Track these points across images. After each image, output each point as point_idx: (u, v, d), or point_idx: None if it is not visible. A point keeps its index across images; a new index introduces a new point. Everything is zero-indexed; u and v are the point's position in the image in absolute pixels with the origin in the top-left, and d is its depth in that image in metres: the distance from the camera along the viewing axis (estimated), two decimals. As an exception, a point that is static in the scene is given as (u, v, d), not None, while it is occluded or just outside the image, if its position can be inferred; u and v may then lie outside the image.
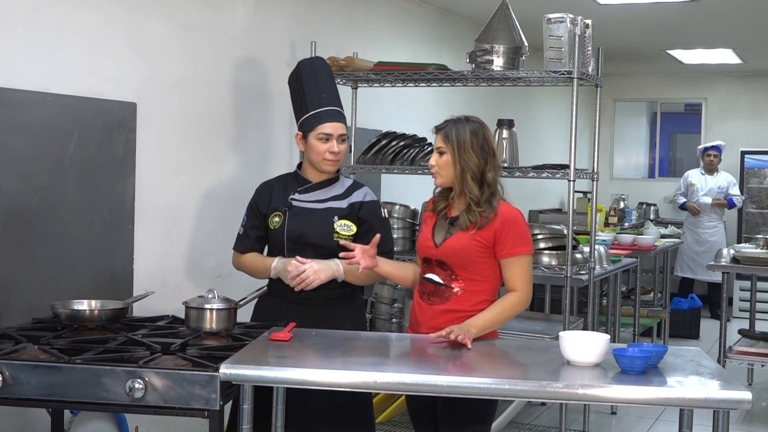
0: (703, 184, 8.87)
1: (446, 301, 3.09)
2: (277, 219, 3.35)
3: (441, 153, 3.10)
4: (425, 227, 3.21)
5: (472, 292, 3.07)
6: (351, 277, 3.29)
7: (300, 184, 3.39)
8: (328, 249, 3.28)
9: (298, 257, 3.21)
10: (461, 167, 3.05)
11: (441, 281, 3.11)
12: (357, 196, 3.37)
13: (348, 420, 3.26)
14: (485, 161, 3.06)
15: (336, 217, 3.31)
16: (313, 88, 3.41)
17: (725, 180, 8.90)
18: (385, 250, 3.32)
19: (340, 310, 3.33)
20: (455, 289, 3.08)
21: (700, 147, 9.18)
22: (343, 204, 3.34)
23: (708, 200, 8.77)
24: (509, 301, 3.04)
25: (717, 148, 8.93)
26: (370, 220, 3.34)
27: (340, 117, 3.37)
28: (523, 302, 3.07)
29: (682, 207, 9.06)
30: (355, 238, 3.31)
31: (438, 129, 3.14)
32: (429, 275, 3.14)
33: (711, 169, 8.88)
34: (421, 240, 3.20)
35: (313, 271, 3.19)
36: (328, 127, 3.32)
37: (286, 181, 3.46)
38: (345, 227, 3.31)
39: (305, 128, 3.37)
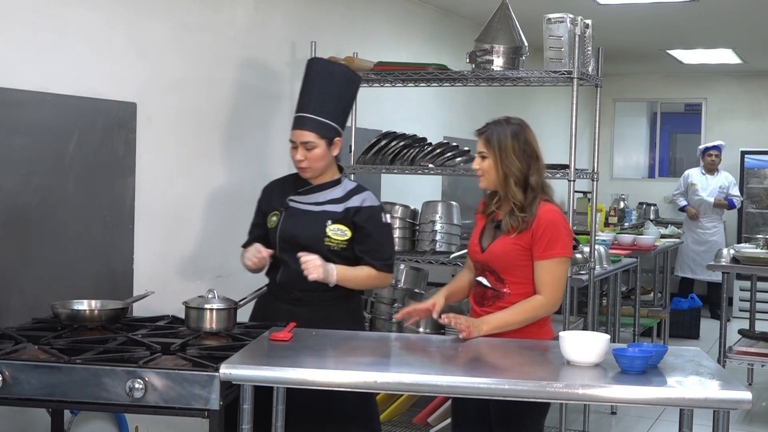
0: (704, 184, 8.87)
1: (495, 304, 3.10)
2: (274, 218, 3.37)
3: (483, 157, 3.09)
4: (475, 230, 3.22)
5: (519, 295, 3.07)
6: (344, 282, 3.28)
7: (301, 185, 3.39)
8: (319, 253, 3.26)
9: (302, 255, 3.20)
10: (504, 172, 3.05)
11: (489, 285, 3.12)
12: (354, 201, 3.33)
13: (351, 420, 3.25)
14: (528, 165, 3.06)
15: (329, 222, 3.29)
16: (303, 91, 3.41)
17: (726, 180, 8.90)
18: (376, 256, 3.31)
19: (336, 311, 3.32)
20: (504, 293, 3.09)
21: (700, 147, 9.17)
22: (338, 208, 3.32)
23: (711, 199, 8.77)
24: (530, 303, 3.04)
25: (717, 147, 8.92)
26: (367, 227, 3.30)
27: (305, 124, 3.31)
28: (545, 306, 3.04)
29: (682, 209, 9.05)
30: (351, 243, 3.29)
31: (479, 133, 3.12)
32: (479, 278, 3.16)
33: (712, 169, 8.87)
34: (470, 244, 3.22)
35: (314, 266, 3.17)
36: (293, 134, 3.33)
37: (289, 182, 3.47)
38: (338, 232, 3.28)
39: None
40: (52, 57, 3.58)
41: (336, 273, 3.22)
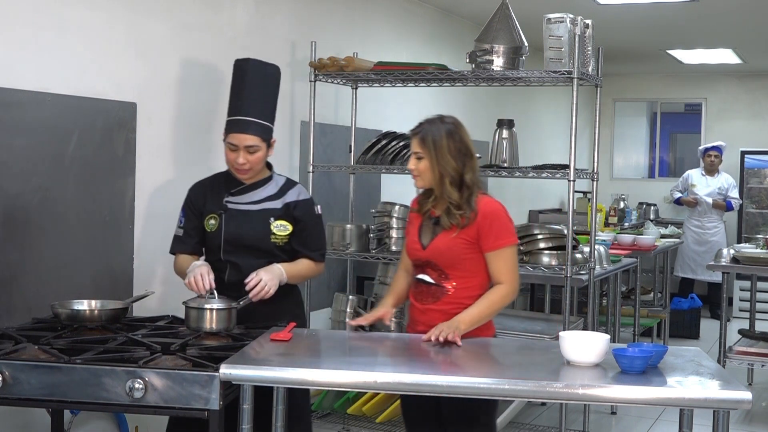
0: (704, 185, 8.86)
1: (439, 300, 3.11)
2: (213, 221, 3.35)
3: (419, 158, 3.09)
4: (412, 229, 3.22)
5: (464, 289, 3.09)
6: (292, 279, 3.32)
7: (233, 185, 3.37)
8: (265, 250, 3.29)
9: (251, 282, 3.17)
10: (440, 172, 3.06)
11: (432, 281, 3.12)
12: (291, 196, 3.36)
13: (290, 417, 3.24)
14: (463, 163, 3.07)
15: (272, 219, 3.31)
16: (236, 93, 3.38)
17: (726, 182, 8.87)
18: (313, 248, 3.36)
19: (283, 304, 3.32)
20: (447, 288, 3.10)
21: (700, 148, 9.16)
22: (277, 204, 3.34)
23: (709, 199, 8.75)
24: (496, 293, 3.07)
25: (717, 148, 8.89)
26: (304, 220, 3.36)
27: (248, 128, 3.28)
28: (510, 294, 3.09)
29: (678, 202, 9.02)
30: (290, 237, 3.33)
31: (414, 133, 3.12)
32: (420, 276, 3.16)
33: (712, 170, 8.84)
34: (409, 243, 3.21)
35: (269, 281, 3.18)
36: (234, 138, 3.29)
37: (219, 182, 3.43)
38: (281, 228, 3.32)
39: (224, 133, 3.35)
40: (52, 57, 3.58)
41: (285, 272, 3.26)
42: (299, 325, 3.25)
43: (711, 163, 8.82)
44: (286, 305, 3.35)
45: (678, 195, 8.95)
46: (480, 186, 3.14)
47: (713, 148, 8.89)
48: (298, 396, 3.26)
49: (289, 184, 3.42)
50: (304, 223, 3.35)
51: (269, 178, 3.40)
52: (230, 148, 3.30)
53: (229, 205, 3.34)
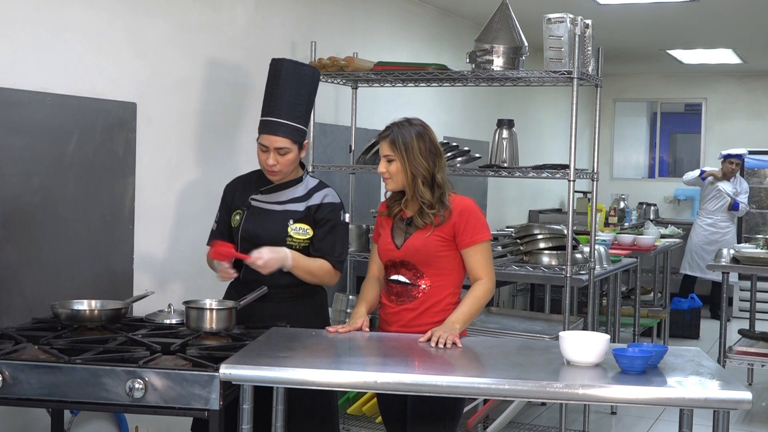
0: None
1: (414, 299, 3.14)
2: (237, 217, 3.38)
3: (390, 160, 3.11)
4: (383, 232, 3.23)
5: (438, 287, 3.13)
6: (298, 271, 3.27)
7: (263, 184, 3.39)
8: None
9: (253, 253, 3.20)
10: (412, 173, 3.09)
11: (407, 281, 3.15)
12: (315, 199, 3.35)
13: (313, 417, 3.25)
14: (434, 163, 3.11)
15: (291, 221, 3.30)
16: (270, 93, 3.38)
17: (739, 187, 8.84)
18: (335, 254, 3.32)
19: (300, 307, 3.32)
20: (422, 286, 3.13)
21: (723, 152, 9.05)
22: (300, 207, 3.33)
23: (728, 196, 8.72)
24: (480, 290, 3.10)
25: (740, 156, 8.82)
26: (325, 223, 3.32)
27: (279, 129, 3.28)
28: (491, 289, 3.13)
29: (702, 173, 8.79)
30: (312, 241, 3.31)
31: (383, 137, 3.15)
32: (394, 277, 3.18)
33: (729, 176, 8.81)
34: (382, 244, 3.22)
35: (270, 262, 3.17)
36: (265, 139, 3.29)
37: (251, 180, 3.45)
38: (300, 231, 3.30)
39: (258, 132, 3.36)
40: (52, 57, 3.58)
41: (291, 259, 3.21)
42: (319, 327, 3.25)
43: (731, 170, 8.77)
44: (304, 307, 3.34)
45: (701, 170, 8.78)
46: (450, 184, 3.17)
47: (736, 156, 8.82)
48: (323, 396, 3.25)
49: (319, 186, 3.40)
50: (325, 227, 3.32)
51: (299, 180, 3.38)
52: (261, 149, 3.31)
53: (253, 203, 3.36)
